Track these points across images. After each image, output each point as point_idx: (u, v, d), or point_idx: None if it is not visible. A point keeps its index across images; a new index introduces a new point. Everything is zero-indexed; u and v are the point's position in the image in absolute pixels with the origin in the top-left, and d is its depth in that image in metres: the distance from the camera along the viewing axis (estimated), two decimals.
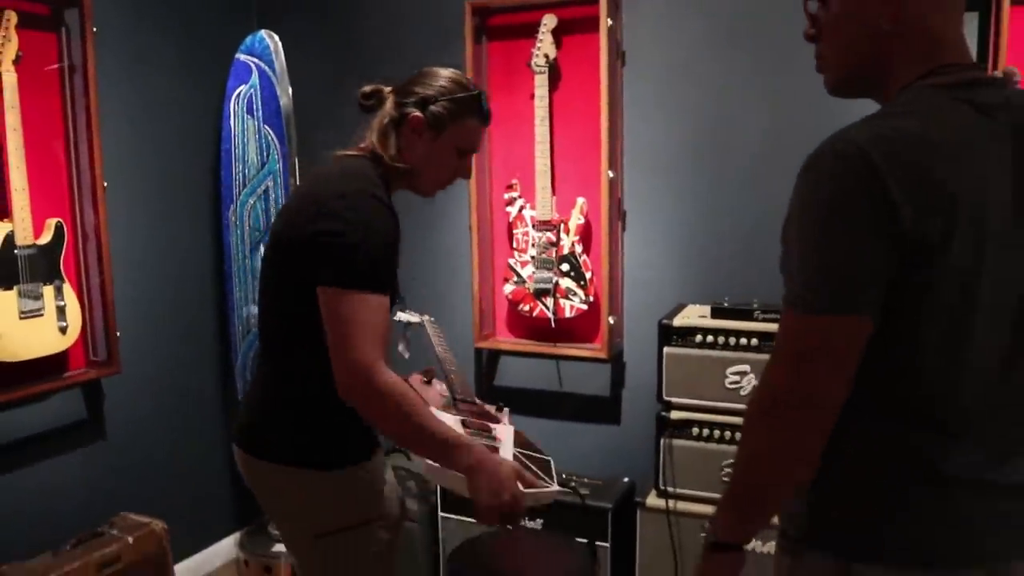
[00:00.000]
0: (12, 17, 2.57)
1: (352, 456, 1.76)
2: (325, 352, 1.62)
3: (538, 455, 2.05)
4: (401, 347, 2.71)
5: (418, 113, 1.77)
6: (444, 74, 1.82)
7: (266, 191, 3.26)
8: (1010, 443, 1.24)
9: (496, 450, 1.88)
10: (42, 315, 2.68)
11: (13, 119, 2.57)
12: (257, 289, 1.92)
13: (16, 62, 2.58)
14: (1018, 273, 1.18)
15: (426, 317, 2.64)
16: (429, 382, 2.11)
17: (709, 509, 2.58)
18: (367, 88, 1.86)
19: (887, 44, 1.23)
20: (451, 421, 1.84)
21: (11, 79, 2.56)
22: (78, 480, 2.95)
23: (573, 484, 2.77)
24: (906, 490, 1.21)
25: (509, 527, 1.74)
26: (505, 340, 3.21)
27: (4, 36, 2.56)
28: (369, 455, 1.80)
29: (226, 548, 3.52)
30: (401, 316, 2.74)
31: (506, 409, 2.25)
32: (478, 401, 2.16)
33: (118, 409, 3.06)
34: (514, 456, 1.91)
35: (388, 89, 1.85)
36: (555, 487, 1.87)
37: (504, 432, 2.07)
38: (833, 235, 1.15)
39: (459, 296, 3.28)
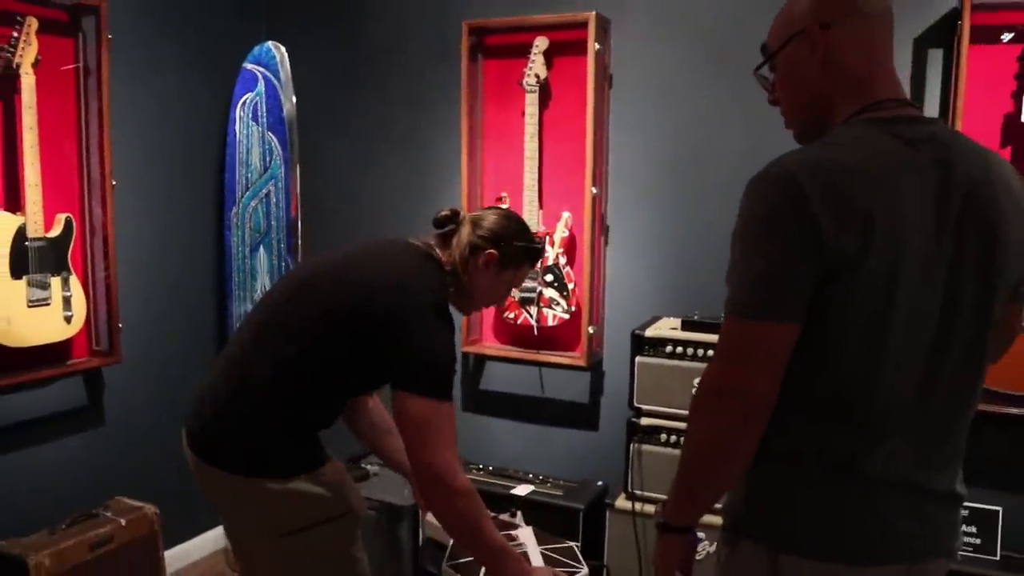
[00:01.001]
0: (33, 23, 2.73)
1: (317, 462, 1.89)
2: (329, 392, 1.86)
3: (561, 545, 2.31)
4: (406, 493, 2.93)
5: (493, 251, 1.95)
6: (524, 226, 2.05)
7: (267, 195, 3.41)
8: (932, 448, 1.35)
9: (527, 555, 2.15)
10: (49, 304, 2.83)
11: (30, 118, 2.72)
12: (268, 307, 1.95)
13: (35, 65, 2.73)
14: (936, 288, 1.29)
15: None
16: None
17: None
18: (447, 211, 2.00)
19: (822, 88, 1.40)
20: None
21: (30, 81, 2.72)
22: (76, 463, 3.09)
23: (605, 567, 2.83)
24: (831, 488, 1.32)
25: None
26: (491, 345, 3.35)
27: (25, 40, 2.71)
28: (323, 463, 1.90)
29: (214, 537, 3.65)
30: None
31: (519, 513, 2.50)
32: (492, 515, 2.31)
33: (117, 397, 3.20)
34: (542, 555, 2.19)
35: (465, 217, 2.00)
36: (585, 571, 2.15)
37: (525, 535, 2.34)
38: (764, 249, 1.28)
39: None
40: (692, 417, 1.37)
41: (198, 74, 3.43)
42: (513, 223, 2.01)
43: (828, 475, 1.32)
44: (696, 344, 2.67)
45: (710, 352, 2.65)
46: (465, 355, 3.42)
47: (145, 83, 3.21)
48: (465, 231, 1.96)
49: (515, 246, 1.98)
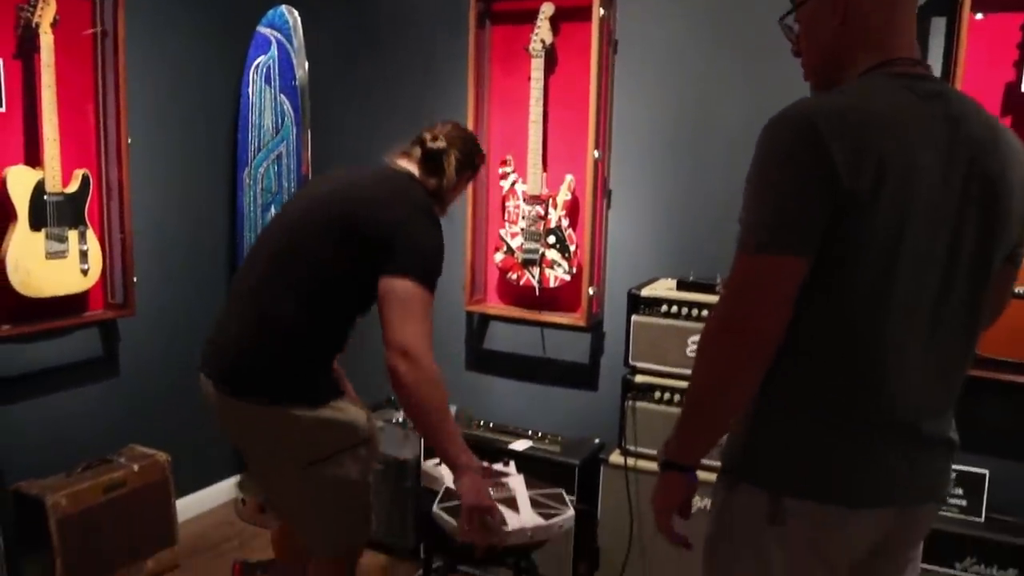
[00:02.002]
0: None
1: (337, 392, 2.11)
2: (339, 314, 2.05)
3: (550, 490, 2.40)
4: (408, 449, 3.14)
5: (455, 158, 2.21)
6: (468, 131, 2.35)
7: (279, 157, 3.50)
8: (929, 394, 1.39)
9: (513, 500, 2.25)
10: (66, 257, 2.93)
11: (48, 77, 2.81)
12: (274, 240, 2.10)
13: (54, 25, 2.81)
14: (941, 238, 1.33)
15: None
16: (440, 463, 2.42)
17: None
18: (438, 144, 2.21)
19: (842, 41, 1.44)
20: None
21: (48, 40, 2.80)
22: (91, 412, 3.21)
23: (588, 509, 2.90)
24: (830, 430, 1.36)
25: (490, 543, 2.05)
26: (494, 306, 3.42)
27: (44, 1, 2.80)
28: (338, 396, 2.11)
29: (226, 488, 3.77)
30: (397, 416, 3.16)
31: (511, 462, 2.58)
32: (485, 464, 2.41)
33: (131, 349, 3.31)
34: (530, 499, 2.29)
35: (447, 144, 2.22)
36: (570, 513, 2.26)
37: (516, 482, 2.42)
38: (777, 185, 1.33)
39: (452, 263, 3.47)
40: (699, 352, 1.42)
41: (212, 36, 3.51)
42: (470, 136, 2.31)
43: (827, 417, 1.36)
44: (691, 304, 2.73)
45: (704, 312, 2.71)
46: (469, 315, 3.50)
47: (160, 45, 3.30)
48: (452, 162, 2.19)
49: (478, 156, 2.32)
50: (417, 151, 2.22)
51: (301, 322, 2.01)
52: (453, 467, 2.01)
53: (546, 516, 2.24)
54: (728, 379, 1.38)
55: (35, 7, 2.79)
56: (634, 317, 2.81)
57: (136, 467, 3.05)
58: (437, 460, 2.58)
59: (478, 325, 3.53)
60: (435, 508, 2.26)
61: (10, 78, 2.83)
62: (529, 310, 3.32)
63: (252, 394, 2.01)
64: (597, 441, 3.14)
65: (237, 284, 2.18)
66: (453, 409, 3.27)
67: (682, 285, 2.80)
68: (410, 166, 2.20)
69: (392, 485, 3.27)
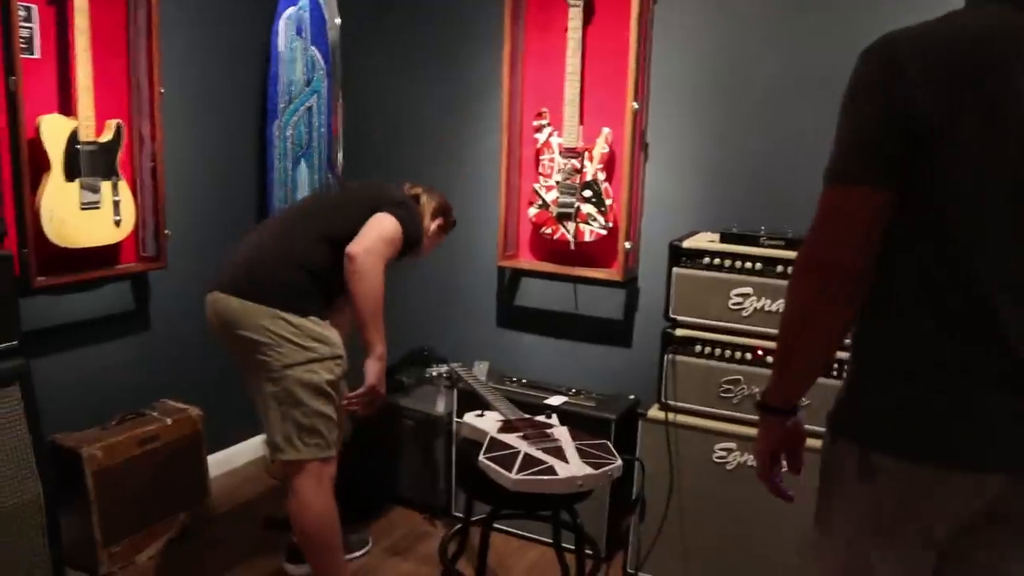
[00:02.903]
0: None
1: (315, 309, 2.47)
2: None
3: (595, 440, 2.41)
4: (441, 405, 3.22)
5: (442, 219, 2.85)
6: (448, 207, 2.89)
7: (310, 109, 3.45)
8: None
9: (560, 450, 2.30)
10: (99, 208, 2.90)
11: (82, 21, 2.76)
12: (314, 203, 2.82)
13: None
14: None
15: (454, 364, 3.09)
16: (482, 415, 2.63)
17: (706, 423, 2.75)
18: (416, 192, 2.82)
19: None
20: (514, 439, 2.35)
21: None
22: (122, 366, 3.19)
23: (637, 459, 2.85)
24: (925, 384, 1.28)
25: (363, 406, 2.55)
26: (526, 261, 3.39)
27: None
28: (324, 316, 2.52)
29: (253, 445, 3.76)
30: (431, 372, 3.17)
31: (554, 415, 2.63)
32: (527, 416, 2.55)
33: (161, 303, 3.29)
34: (577, 450, 2.31)
35: (422, 195, 2.81)
36: (618, 462, 2.29)
37: (560, 433, 2.45)
38: (852, 115, 1.29)
39: (485, 217, 3.45)
40: (787, 289, 1.39)
41: None
42: (448, 207, 2.88)
43: (924, 371, 1.28)
44: (734, 256, 2.68)
45: (748, 264, 2.67)
46: (500, 271, 3.47)
47: None
48: (435, 226, 2.81)
49: (451, 219, 2.88)
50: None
51: (312, 251, 2.46)
52: (372, 350, 2.50)
53: (595, 465, 2.22)
54: (810, 317, 1.34)
55: None
56: (675, 269, 2.77)
57: (169, 420, 3.04)
58: (479, 411, 2.56)
59: (509, 281, 3.49)
60: (481, 458, 2.24)
61: (44, 24, 2.78)
62: (562, 265, 3.29)
63: (251, 295, 2.40)
64: (632, 397, 3.11)
65: (258, 227, 2.69)
66: (486, 366, 3.26)
67: (725, 237, 2.75)
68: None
69: (423, 443, 3.26)
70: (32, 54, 2.76)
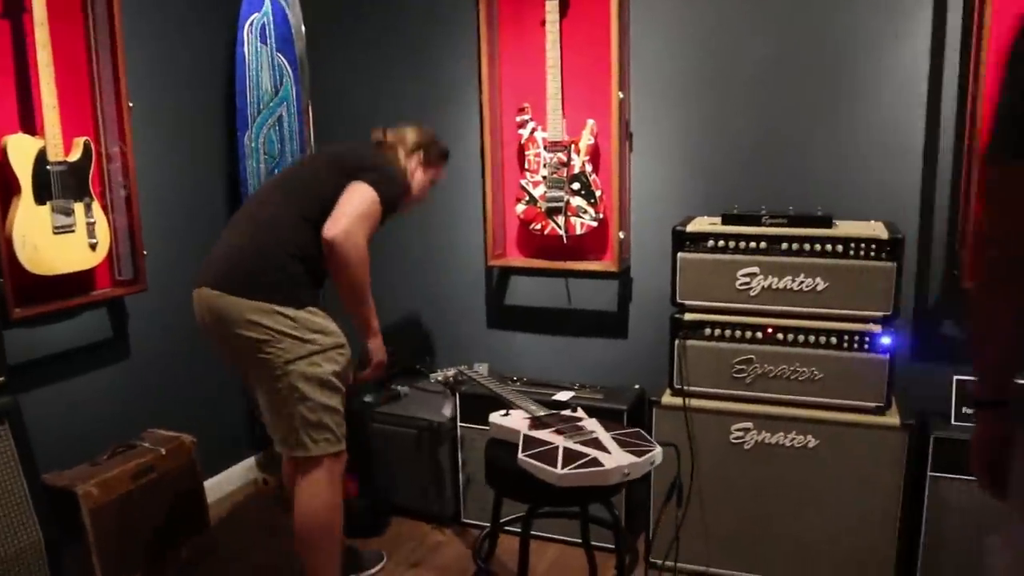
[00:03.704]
0: None
1: (310, 301, 2.39)
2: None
3: (629, 429, 2.40)
4: (445, 410, 3.15)
5: (416, 153, 2.68)
6: (434, 136, 2.78)
7: (280, 119, 3.34)
8: None
9: (598, 441, 2.28)
10: (74, 231, 2.73)
11: (43, 35, 2.59)
12: (287, 181, 2.56)
13: None
14: None
15: (462, 367, 3.03)
16: (507, 414, 2.54)
17: (721, 404, 2.76)
18: (380, 140, 2.71)
19: None
20: (548, 435, 2.31)
21: None
22: (104, 396, 3.02)
23: (673, 445, 2.75)
24: None
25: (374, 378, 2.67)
26: (518, 259, 3.34)
27: None
28: (319, 305, 2.44)
29: (245, 469, 3.61)
30: (436, 377, 3.05)
31: (580, 409, 2.57)
32: (553, 411, 2.51)
33: (141, 327, 3.13)
34: (614, 439, 2.29)
35: (398, 138, 2.70)
36: (658, 449, 2.27)
37: (593, 425, 2.42)
38: (1009, 88, 1.24)
39: (469, 217, 3.40)
40: (964, 273, 1.34)
41: None
42: (427, 131, 2.75)
43: None
44: (738, 237, 2.70)
45: (752, 244, 2.70)
46: (488, 271, 3.42)
47: (150, 1, 3.08)
48: (415, 161, 2.68)
49: (437, 150, 2.75)
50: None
51: (297, 235, 2.36)
52: (368, 330, 2.53)
53: (637, 453, 2.20)
54: (977, 301, 1.31)
55: None
56: (680, 254, 2.77)
57: (163, 450, 2.88)
58: (504, 411, 2.51)
59: (498, 280, 3.45)
60: (521, 456, 2.19)
61: None
62: (554, 260, 3.26)
63: (245, 291, 2.31)
64: (637, 387, 3.10)
65: (234, 217, 2.56)
66: (485, 368, 3.21)
67: (727, 219, 2.77)
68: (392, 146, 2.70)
69: (426, 451, 3.18)
70: None
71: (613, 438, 2.29)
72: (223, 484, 3.50)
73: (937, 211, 2.81)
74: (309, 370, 2.33)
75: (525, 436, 2.30)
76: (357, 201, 2.34)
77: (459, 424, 3.13)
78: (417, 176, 2.68)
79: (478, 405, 3.04)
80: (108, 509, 2.66)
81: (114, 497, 2.69)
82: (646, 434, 2.35)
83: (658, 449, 2.24)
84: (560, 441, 2.26)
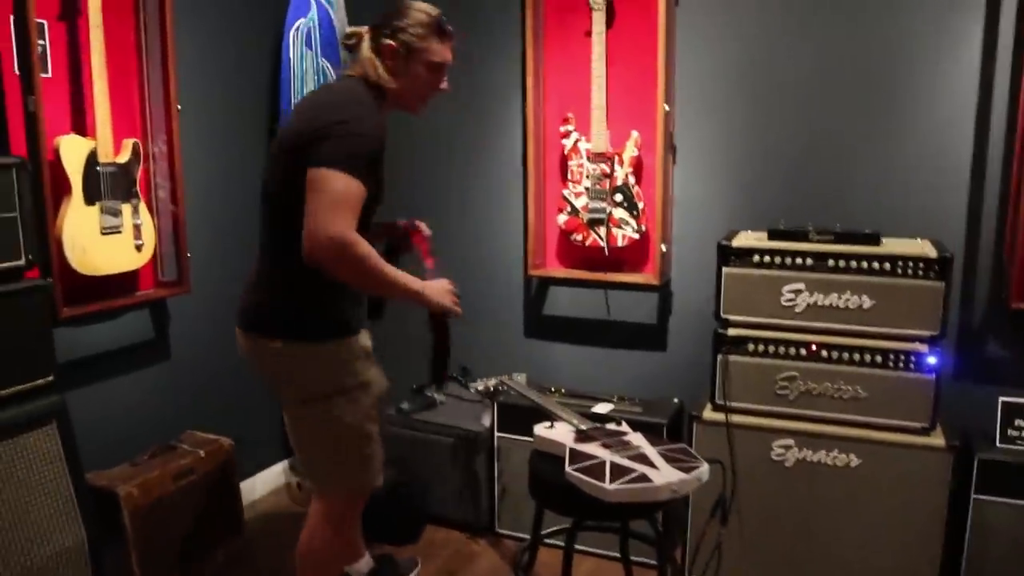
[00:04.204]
0: None
1: (333, 331, 2.11)
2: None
3: (674, 445, 2.37)
4: (484, 420, 3.08)
5: (391, 41, 2.11)
6: (410, 5, 2.16)
7: None
8: None
9: (645, 456, 2.26)
10: (120, 232, 2.75)
11: (97, 38, 2.62)
12: (264, 192, 2.16)
13: None
14: None
15: (504, 377, 2.96)
16: (552, 426, 2.49)
17: (763, 421, 2.74)
18: (348, 30, 2.21)
19: None
20: (595, 448, 2.28)
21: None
22: (144, 397, 3.03)
23: (719, 462, 2.75)
24: None
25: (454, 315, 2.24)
26: (557, 269, 3.34)
27: None
28: (348, 334, 2.14)
29: (278, 472, 3.62)
30: (476, 387, 3.01)
31: (623, 421, 2.55)
32: (598, 425, 2.48)
33: (182, 329, 3.14)
34: (660, 454, 2.27)
35: (365, 29, 2.17)
36: (705, 465, 2.23)
37: (638, 439, 2.40)
38: None
39: (509, 227, 3.40)
40: None
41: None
42: (408, 10, 2.14)
43: None
44: (784, 252, 2.68)
45: (798, 260, 2.68)
46: (527, 279, 3.42)
47: (196, 5, 3.10)
48: (367, 40, 2.15)
49: (411, 28, 2.11)
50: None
51: (284, 254, 2.03)
52: (416, 297, 2.10)
53: (685, 469, 2.19)
54: None
55: None
56: (725, 269, 2.75)
57: (203, 452, 2.90)
58: (548, 423, 2.50)
59: (537, 290, 3.44)
60: (569, 470, 2.18)
61: (55, 42, 2.63)
62: (594, 271, 3.25)
63: (255, 328, 2.12)
64: (676, 400, 3.09)
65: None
66: (523, 378, 3.20)
67: (773, 234, 2.76)
68: (355, 70, 2.18)
69: (462, 460, 3.17)
70: (45, 73, 2.60)
71: (660, 453, 2.28)
72: (257, 486, 3.50)
73: (984, 229, 2.79)
74: (324, 415, 2.12)
75: (571, 449, 2.29)
76: (320, 196, 1.88)
77: (496, 434, 3.12)
78: (400, 75, 2.13)
79: (516, 415, 3.04)
80: (148, 510, 2.68)
81: (154, 498, 2.70)
82: (691, 450, 2.33)
83: (705, 466, 2.23)
84: (607, 455, 2.25)
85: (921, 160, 2.83)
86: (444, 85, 2.23)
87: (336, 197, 1.87)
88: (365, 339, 2.23)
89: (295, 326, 2.08)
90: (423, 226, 2.49)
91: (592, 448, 2.31)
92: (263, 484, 3.55)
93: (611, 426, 2.49)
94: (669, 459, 2.25)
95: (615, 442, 2.35)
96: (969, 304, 2.84)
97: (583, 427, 2.44)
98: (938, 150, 2.81)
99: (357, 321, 2.19)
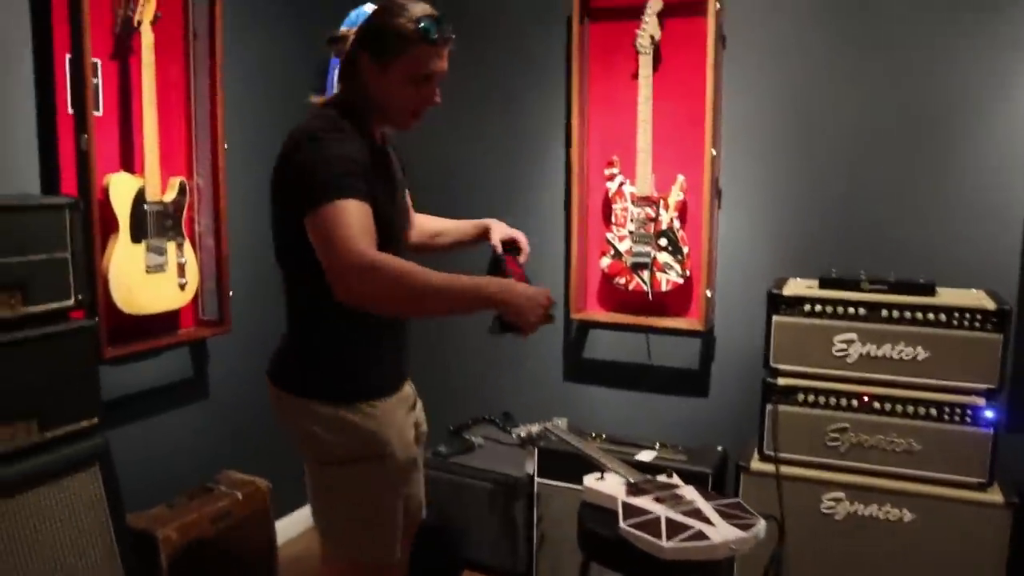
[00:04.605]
0: None
1: (355, 393, 1.86)
2: (317, 287, 1.69)
3: (728, 500, 2.31)
4: (527, 466, 3.00)
5: (364, 52, 1.79)
6: (392, 9, 1.78)
7: None
8: None
9: (700, 512, 2.19)
10: (165, 271, 2.74)
11: (149, 77, 2.63)
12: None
13: (154, 22, 2.64)
14: None
15: (547, 424, 2.85)
16: (602, 477, 2.41)
17: (812, 472, 2.68)
18: (337, 33, 1.85)
19: None
20: (648, 502, 2.21)
21: (149, 39, 2.62)
22: (182, 437, 3.00)
23: (774, 518, 2.61)
24: None
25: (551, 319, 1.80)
26: (600, 313, 3.30)
27: None
28: (375, 396, 1.88)
29: (306, 515, 3.56)
30: (518, 433, 2.89)
31: (674, 474, 2.48)
32: (649, 477, 2.40)
33: (220, 367, 3.11)
34: (715, 509, 2.21)
35: (353, 30, 1.83)
36: (762, 522, 2.16)
37: (691, 493, 2.33)
38: None
39: (549, 269, 3.36)
40: None
41: (294, 37, 3.34)
42: (390, 13, 1.77)
43: None
44: (836, 302, 2.64)
45: (850, 310, 2.64)
46: (567, 322, 3.38)
47: (243, 45, 3.11)
48: (347, 46, 1.83)
49: (388, 35, 1.76)
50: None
51: (296, 310, 1.91)
52: (488, 300, 1.69)
53: (742, 527, 2.13)
54: None
55: (135, 3, 2.61)
56: (775, 317, 2.71)
57: (240, 495, 2.85)
58: (599, 474, 2.44)
59: (576, 333, 3.40)
60: (623, 526, 2.13)
61: (107, 80, 2.64)
62: (637, 315, 3.21)
63: (273, 376, 1.94)
64: (720, 448, 3.03)
65: None
66: (564, 423, 3.16)
67: (824, 283, 2.72)
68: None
69: (501, 505, 3.12)
70: (96, 111, 2.60)
71: (715, 509, 2.22)
72: (289, 526, 3.45)
73: None
74: (339, 481, 1.88)
75: (624, 503, 2.24)
76: (324, 239, 1.63)
77: (537, 479, 3.07)
78: (381, 88, 1.81)
79: (557, 461, 2.99)
80: (185, 553, 2.63)
81: (192, 541, 2.66)
82: (746, 505, 2.28)
83: (762, 523, 2.17)
84: (661, 510, 2.20)
85: (972, 207, 2.80)
86: (437, 99, 1.90)
87: (338, 230, 1.60)
88: (400, 399, 1.98)
89: (313, 384, 1.86)
90: (523, 242, 2.21)
91: (645, 502, 2.25)
92: (295, 524, 3.50)
93: (662, 478, 2.43)
94: (725, 515, 2.19)
95: (668, 496, 2.30)
96: (1022, 354, 2.78)
97: (634, 479, 2.39)
98: (991, 199, 2.77)
99: (392, 379, 1.96)
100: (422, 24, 1.77)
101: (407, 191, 2.17)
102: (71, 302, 2.33)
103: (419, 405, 2.15)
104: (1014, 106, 2.71)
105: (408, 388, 2.06)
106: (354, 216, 1.62)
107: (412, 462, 2.00)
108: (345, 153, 1.69)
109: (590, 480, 2.41)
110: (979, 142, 2.77)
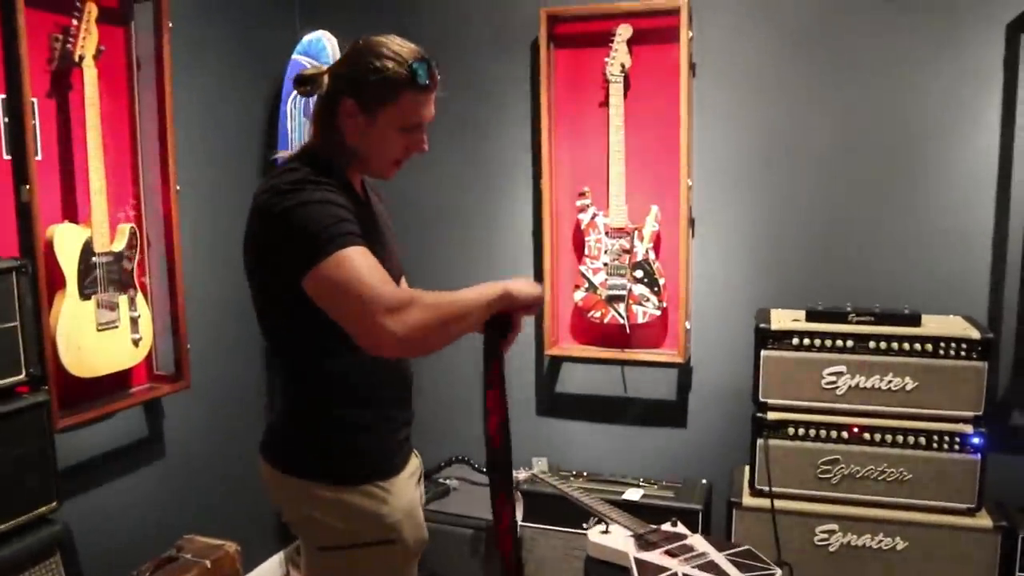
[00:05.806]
0: (93, 10, 2.41)
1: (362, 474, 1.69)
2: (316, 357, 1.63)
3: (738, 548, 2.29)
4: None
5: (349, 98, 1.62)
6: (378, 50, 1.62)
7: None
8: None
9: (715, 564, 2.16)
10: (117, 327, 2.51)
11: (93, 117, 2.40)
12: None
13: (97, 57, 2.41)
14: None
15: (533, 470, 2.84)
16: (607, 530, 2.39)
17: (806, 506, 2.66)
18: (306, 72, 1.69)
19: None
20: (659, 557, 2.18)
21: (92, 75, 2.40)
22: (139, 501, 2.77)
23: (787, 564, 2.59)
24: None
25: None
26: (573, 346, 3.21)
27: (86, 30, 2.39)
28: (385, 475, 1.72)
29: (275, 564, 3.37)
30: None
31: (677, 521, 2.45)
32: (654, 527, 2.35)
33: (176, 424, 2.89)
34: (728, 560, 2.18)
35: (325, 70, 1.68)
36: (778, 571, 2.14)
37: (700, 543, 2.30)
38: None
39: None
40: None
41: (247, 68, 3.13)
42: (373, 57, 1.61)
43: None
44: (824, 335, 2.63)
45: (838, 342, 2.62)
46: (539, 356, 3.28)
47: (190, 77, 2.88)
48: (323, 89, 1.66)
49: (375, 82, 1.59)
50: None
51: (293, 378, 1.71)
52: (496, 301, 1.62)
53: None
54: None
55: (75, 37, 2.38)
56: (763, 352, 2.68)
57: (208, 563, 2.64)
58: (604, 527, 2.35)
59: (548, 368, 3.30)
60: None
61: (45, 120, 2.39)
62: (612, 349, 3.13)
63: (265, 453, 1.74)
64: (704, 482, 2.99)
65: None
66: (544, 462, 3.06)
67: (812, 316, 2.69)
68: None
69: (483, 552, 3.00)
70: (36, 156, 2.36)
71: (728, 559, 2.17)
72: None
73: (1006, 304, 2.79)
74: (339, 568, 1.72)
75: (637, 560, 2.16)
76: (338, 296, 1.50)
77: (519, 523, 2.96)
78: (363, 137, 1.65)
79: (542, 504, 2.89)
80: None
81: None
82: (756, 552, 2.23)
83: (778, 572, 2.13)
84: (676, 566, 2.13)
85: (944, 234, 2.82)
86: (425, 146, 1.74)
87: (351, 281, 1.46)
88: (410, 473, 1.82)
89: (312, 464, 1.68)
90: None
91: (657, 557, 2.18)
92: None
93: (668, 527, 2.36)
94: (739, 565, 2.14)
95: (678, 548, 2.23)
96: (993, 377, 2.82)
97: (640, 531, 2.31)
98: (959, 223, 2.80)
99: (402, 454, 1.80)
100: (413, 67, 1.62)
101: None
102: (22, 376, 2.10)
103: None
104: (980, 134, 2.75)
105: (416, 460, 1.90)
106: (361, 261, 1.48)
107: (422, 543, 1.82)
108: (330, 200, 1.54)
109: (595, 535, 2.33)
110: (948, 169, 2.80)
